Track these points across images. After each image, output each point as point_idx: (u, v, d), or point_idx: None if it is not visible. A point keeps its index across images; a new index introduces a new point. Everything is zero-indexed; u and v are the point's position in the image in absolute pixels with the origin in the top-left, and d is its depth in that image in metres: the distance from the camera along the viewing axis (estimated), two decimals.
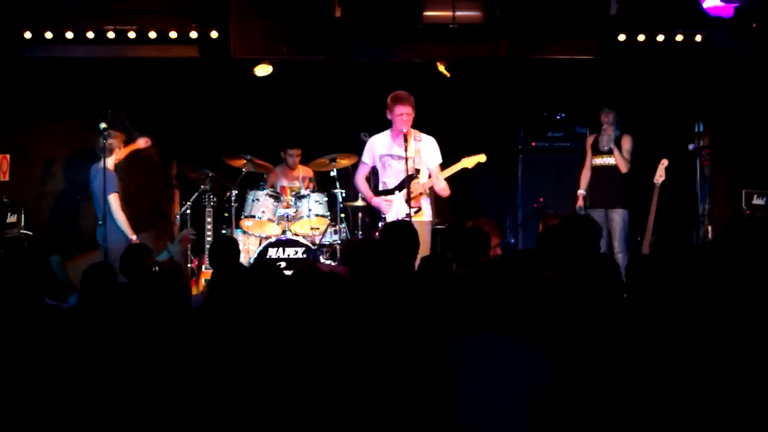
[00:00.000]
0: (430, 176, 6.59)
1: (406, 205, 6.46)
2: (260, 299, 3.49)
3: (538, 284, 3.69)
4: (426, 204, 6.59)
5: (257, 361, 3.19)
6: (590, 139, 7.98)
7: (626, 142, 7.75)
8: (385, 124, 6.61)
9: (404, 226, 4.86)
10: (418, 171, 6.49)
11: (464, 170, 6.74)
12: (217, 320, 3.46)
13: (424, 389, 3.03)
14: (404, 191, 6.48)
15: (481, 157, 6.73)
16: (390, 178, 6.62)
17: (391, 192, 6.59)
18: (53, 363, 3.39)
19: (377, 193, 6.68)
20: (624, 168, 7.69)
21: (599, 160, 7.85)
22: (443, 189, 6.57)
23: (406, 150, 6.41)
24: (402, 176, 6.53)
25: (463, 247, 4.68)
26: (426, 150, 6.57)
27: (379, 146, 6.65)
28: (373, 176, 6.86)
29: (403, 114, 6.42)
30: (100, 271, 4.11)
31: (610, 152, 7.74)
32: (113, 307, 3.81)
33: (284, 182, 8.29)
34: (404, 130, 6.41)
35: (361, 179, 6.79)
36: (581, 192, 7.91)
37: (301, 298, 3.49)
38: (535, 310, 3.49)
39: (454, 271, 4.37)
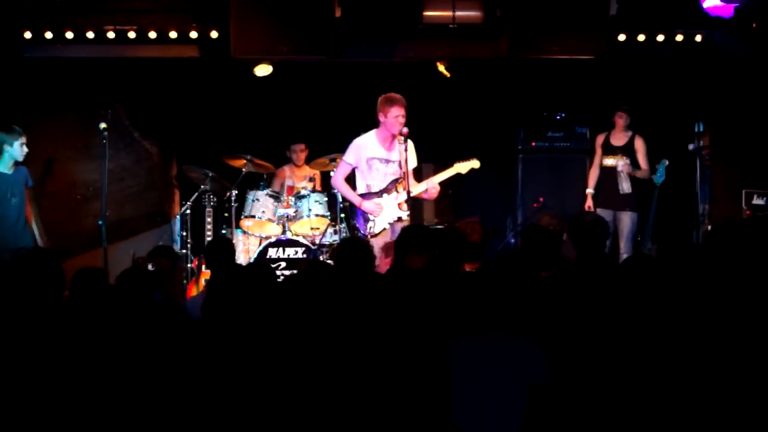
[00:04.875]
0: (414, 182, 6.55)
1: (396, 208, 6.45)
2: (257, 299, 3.49)
3: (533, 284, 3.70)
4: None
5: (255, 361, 3.19)
6: (600, 138, 7.94)
7: (641, 145, 7.75)
8: (374, 126, 6.59)
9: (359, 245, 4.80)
10: (405, 174, 6.45)
11: (461, 173, 6.73)
12: (216, 320, 3.46)
13: (421, 389, 3.03)
14: (395, 194, 6.46)
15: (475, 163, 6.70)
16: (376, 180, 6.53)
17: (377, 195, 6.54)
18: (44, 367, 3.38)
19: (361, 195, 6.59)
20: (648, 176, 7.61)
21: (611, 161, 7.81)
22: (436, 192, 6.56)
23: (405, 150, 6.40)
24: (388, 179, 6.50)
25: (451, 247, 4.68)
26: (409, 154, 6.53)
27: (366, 148, 6.53)
28: (350, 178, 6.79)
29: (398, 116, 6.35)
30: (90, 276, 4.08)
31: (622, 152, 7.71)
32: (103, 310, 3.81)
33: (293, 181, 8.29)
34: (404, 131, 6.38)
35: (342, 180, 6.64)
36: (590, 191, 7.87)
37: (299, 297, 3.50)
38: (533, 310, 3.50)
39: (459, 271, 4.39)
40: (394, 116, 6.35)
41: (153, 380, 3.25)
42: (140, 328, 3.58)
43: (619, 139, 7.83)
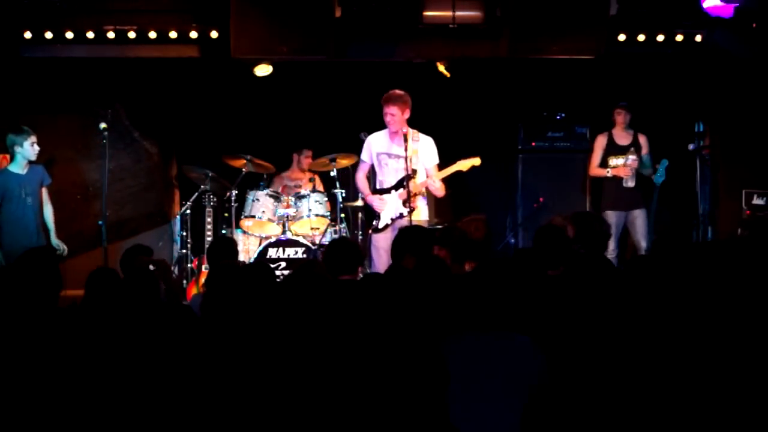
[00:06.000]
0: (428, 176, 6.57)
1: (401, 204, 6.48)
2: (255, 298, 3.50)
3: (535, 283, 3.70)
4: (422, 203, 6.58)
5: (253, 361, 3.19)
6: (602, 139, 7.78)
7: (645, 142, 7.67)
8: (384, 124, 6.62)
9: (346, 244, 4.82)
10: (415, 171, 6.48)
11: (464, 172, 6.74)
12: (215, 319, 3.47)
13: (419, 389, 3.03)
14: (401, 190, 6.49)
15: (476, 161, 6.73)
16: (386, 176, 6.61)
17: (386, 191, 6.59)
18: (58, 367, 3.39)
19: (374, 191, 6.67)
20: (650, 173, 7.59)
21: (621, 161, 7.66)
22: (438, 189, 6.56)
23: (406, 150, 6.41)
24: (398, 175, 6.54)
25: (456, 246, 4.69)
26: (423, 150, 6.56)
27: (375, 144, 6.64)
28: (372, 175, 6.86)
29: (387, 114, 6.42)
30: (104, 276, 4.11)
31: (628, 151, 7.61)
32: (117, 310, 3.82)
33: (289, 183, 8.31)
34: (404, 130, 6.42)
35: (361, 177, 6.80)
36: (608, 170, 7.65)
37: (297, 297, 3.50)
38: (532, 309, 3.50)
39: (450, 271, 4.38)
40: (384, 114, 6.44)
41: (169, 378, 3.26)
42: (154, 327, 3.58)
43: (623, 138, 7.72)
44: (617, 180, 7.65)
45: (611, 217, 7.50)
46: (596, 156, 7.81)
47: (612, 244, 7.40)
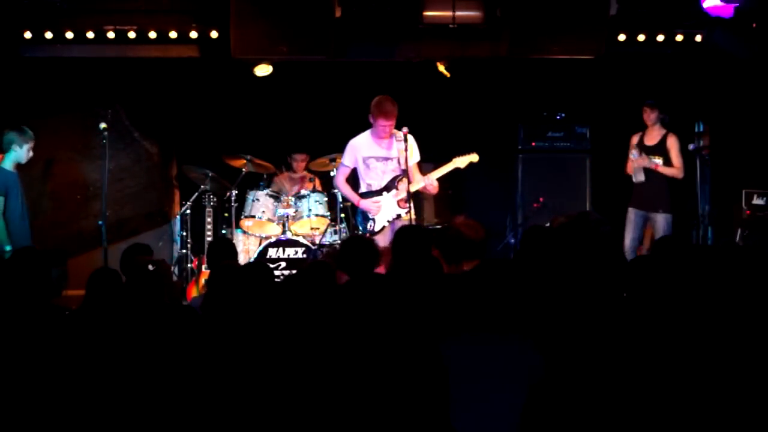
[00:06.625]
0: (410, 181, 6.55)
1: (396, 205, 6.47)
2: (255, 298, 3.50)
3: (534, 283, 3.70)
4: (411, 202, 6.58)
5: (254, 360, 3.19)
6: (635, 138, 7.61)
7: (673, 144, 7.45)
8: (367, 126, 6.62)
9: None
10: (404, 171, 6.47)
11: (462, 170, 6.73)
12: (216, 320, 3.47)
13: (418, 390, 3.04)
14: (394, 191, 6.49)
15: (473, 157, 6.73)
16: (374, 179, 6.59)
17: (377, 193, 6.58)
18: (58, 365, 3.39)
19: (362, 195, 6.64)
20: (679, 174, 7.46)
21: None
22: (435, 188, 6.57)
23: (405, 150, 6.42)
24: (387, 177, 6.54)
25: (448, 245, 4.68)
26: (409, 150, 6.56)
27: (361, 148, 6.61)
28: (353, 179, 6.82)
29: (385, 126, 6.41)
30: (106, 276, 4.11)
31: (654, 152, 7.47)
32: (120, 310, 3.83)
33: (290, 187, 8.31)
34: (404, 131, 6.42)
35: (342, 181, 6.74)
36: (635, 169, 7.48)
37: (297, 297, 3.50)
38: (531, 310, 3.50)
39: (443, 271, 4.38)
40: (381, 125, 6.42)
41: (173, 379, 3.26)
42: (158, 328, 3.59)
43: (652, 138, 7.53)
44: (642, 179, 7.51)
45: (630, 213, 7.47)
46: (630, 155, 7.60)
47: (627, 242, 7.39)
